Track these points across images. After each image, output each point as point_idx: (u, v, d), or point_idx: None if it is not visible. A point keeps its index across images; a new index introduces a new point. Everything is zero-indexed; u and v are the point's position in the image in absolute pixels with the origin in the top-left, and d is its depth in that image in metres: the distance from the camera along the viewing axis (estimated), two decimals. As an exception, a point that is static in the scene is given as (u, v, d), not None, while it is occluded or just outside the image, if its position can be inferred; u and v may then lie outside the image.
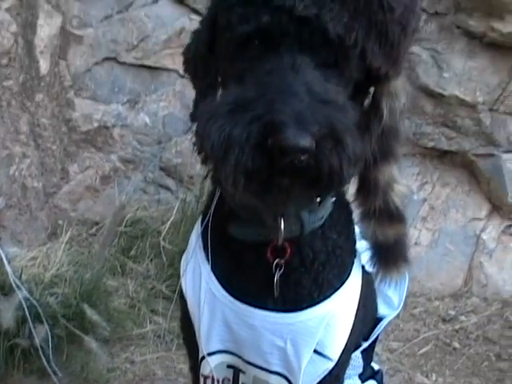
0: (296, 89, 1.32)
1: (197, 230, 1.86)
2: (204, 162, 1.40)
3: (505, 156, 3.89)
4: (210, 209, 1.77)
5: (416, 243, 3.94)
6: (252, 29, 1.41)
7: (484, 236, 4.03)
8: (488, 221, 4.05)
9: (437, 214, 4.01)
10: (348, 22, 1.41)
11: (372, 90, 1.65)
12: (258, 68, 1.40)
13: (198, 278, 1.78)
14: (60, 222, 3.75)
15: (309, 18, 1.38)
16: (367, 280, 1.86)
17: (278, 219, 1.60)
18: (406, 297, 2.02)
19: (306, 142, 1.24)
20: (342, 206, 1.82)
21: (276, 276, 1.66)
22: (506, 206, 3.96)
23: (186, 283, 1.82)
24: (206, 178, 1.52)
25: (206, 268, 1.76)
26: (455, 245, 4.01)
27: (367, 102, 1.67)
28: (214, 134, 1.29)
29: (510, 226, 4.06)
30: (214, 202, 1.76)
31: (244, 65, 1.44)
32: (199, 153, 1.41)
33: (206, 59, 1.60)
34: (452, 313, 3.83)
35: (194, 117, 1.58)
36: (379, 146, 1.71)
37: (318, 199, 1.66)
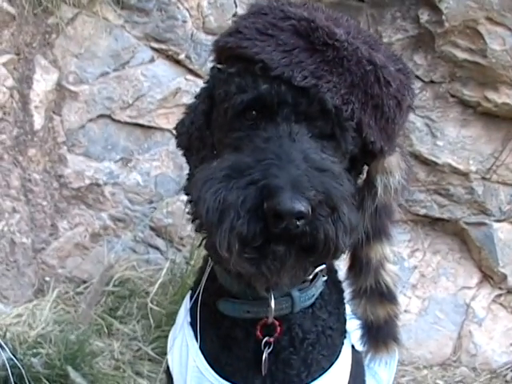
0: (292, 156, 1.34)
1: (185, 305, 1.85)
2: (198, 228, 1.41)
3: (496, 225, 3.91)
4: (200, 284, 1.77)
5: (405, 311, 3.93)
6: (250, 98, 1.44)
7: (474, 305, 4.03)
8: (478, 289, 4.05)
9: (427, 282, 4.01)
10: (345, 93, 1.44)
11: (367, 167, 1.67)
12: (254, 136, 1.43)
13: (185, 355, 1.77)
14: (47, 278, 3.72)
15: (307, 88, 1.42)
16: (357, 359, 1.86)
17: (269, 296, 1.59)
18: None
19: (301, 206, 1.25)
20: (334, 286, 1.82)
21: (265, 354, 1.66)
22: (496, 275, 3.97)
23: (173, 360, 1.81)
24: (199, 246, 1.50)
25: (193, 345, 1.76)
26: (445, 313, 4.00)
27: (362, 178, 1.68)
28: (210, 198, 1.30)
29: (500, 295, 4.05)
30: (205, 277, 1.76)
31: (241, 133, 1.46)
32: (194, 219, 1.42)
33: (202, 131, 1.61)
34: (440, 382, 3.81)
35: (188, 190, 1.58)
36: (372, 223, 1.72)
37: (310, 277, 1.66)
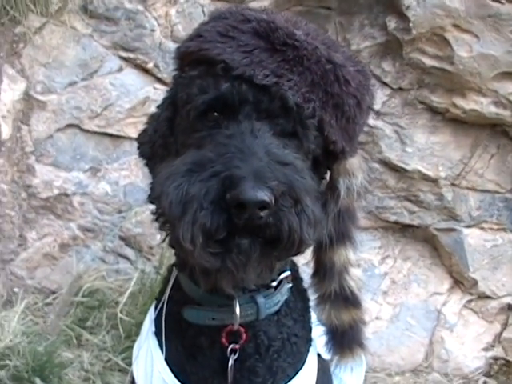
0: (254, 149, 1.36)
1: (150, 315, 1.85)
2: (162, 225, 1.41)
3: (466, 231, 3.94)
4: (164, 294, 1.77)
5: (377, 318, 3.95)
6: (212, 97, 1.46)
7: (445, 310, 4.05)
8: (449, 295, 4.07)
9: (398, 288, 4.02)
10: (306, 92, 1.46)
11: (329, 172, 1.68)
12: (216, 134, 1.45)
13: (150, 365, 1.77)
14: (16, 289, 3.70)
15: (268, 86, 1.44)
16: (323, 367, 1.86)
17: (234, 302, 1.60)
18: (366, 372, 2.02)
19: (264, 195, 1.25)
20: (299, 294, 1.83)
21: (230, 361, 1.66)
22: (467, 280, 3.99)
23: (138, 370, 1.80)
24: (163, 241, 1.49)
25: (158, 355, 1.75)
26: (416, 319, 4.02)
27: (325, 183, 1.69)
28: (172, 192, 1.31)
29: (471, 300, 4.08)
30: (169, 286, 1.76)
31: (203, 133, 1.47)
32: (157, 217, 1.41)
33: (166, 138, 1.62)
34: (412, 388, 3.82)
35: (151, 198, 1.58)
36: (335, 227, 1.74)
37: (275, 283, 1.67)
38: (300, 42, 1.49)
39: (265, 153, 1.35)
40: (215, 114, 1.48)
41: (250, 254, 1.33)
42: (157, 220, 1.44)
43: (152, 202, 1.53)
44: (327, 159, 1.61)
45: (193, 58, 1.56)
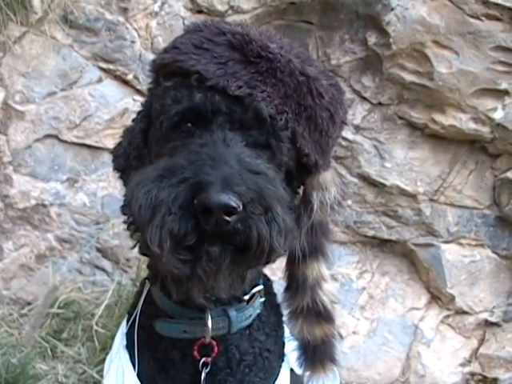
0: (226, 158, 1.37)
1: (122, 329, 1.84)
2: (133, 232, 1.40)
3: (444, 246, 3.96)
4: (136, 307, 1.76)
5: (354, 332, 3.95)
6: (185, 107, 1.47)
7: (422, 326, 4.06)
8: (427, 310, 4.09)
9: (375, 303, 4.03)
10: (279, 104, 1.48)
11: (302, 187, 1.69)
12: (189, 143, 1.46)
13: (121, 380, 1.76)
14: (-9, 300, 3.68)
15: (242, 97, 1.45)
16: (296, 382, 1.86)
17: (206, 315, 1.60)
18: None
19: (229, 200, 1.26)
20: (272, 308, 1.83)
21: (203, 374, 1.65)
22: (444, 295, 4.01)
23: (109, 384, 1.79)
24: (134, 247, 1.49)
25: (129, 370, 1.75)
26: (393, 334, 4.03)
27: (298, 197, 1.69)
28: (142, 197, 1.32)
29: (448, 316, 4.09)
30: (141, 300, 1.75)
31: (176, 143, 1.48)
32: (128, 225, 1.41)
33: (140, 150, 1.62)
34: (389, 403, 3.83)
35: (125, 210, 1.57)
36: (308, 241, 1.74)
37: (247, 297, 1.67)
38: (274, 55, 1.51)
39: (236, 161, 1.36)
40: (189, 124, 1.49)
41: (220, 261, 1.33)
42: (128, 228, 1.44)
43: (125, 213, 1.53)
44: (300, 173, 1.62)
45: (168, 70, 1.57)
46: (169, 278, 1.49)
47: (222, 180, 1.28)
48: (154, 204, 1.29)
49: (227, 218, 1.27)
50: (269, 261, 1.43)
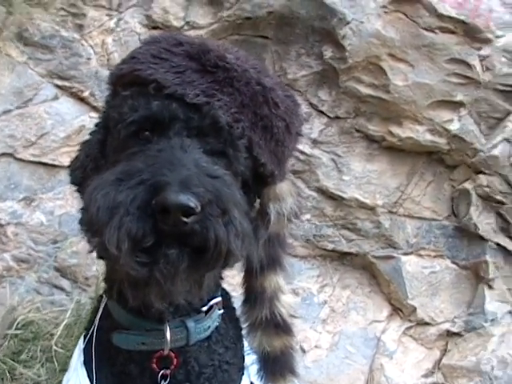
0: (183, 161, 1.38)
1: (79, 346, 1.83)
2: (91, 236, 1.39)
3: (404, 258, 4.00)
4: (93, 323, 1.75)
5: (316, 346, 3.96)
6: (142, 115, 1.48)
7: (384, 338, 4.09)
8: (388, 322, 4.11)
9: (337, 317, 4.05)
10: (235, 112, 1.50)
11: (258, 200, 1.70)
12: (147, 149, 1.46)
13: (79, 397, 1.74)
14: None
15: (199, 105, 1.46)
16: (257, 397, 1.85)
17: (164, 326, 1.59)
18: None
19: (187, 200, 1.27)
20: (231, 322, 1.84)
21: (161, 386, 1.64)
22: (405, 307, 4.04)
23: (67, 403, 1.77)
24: (91, 251, 1.48)
25: (87, 387, 1.72)
26: (356, 347, 4.04)
27: (255, 209, 1.70)
28: (100, 199, 1.33)
29: (410, 327, 4.13)
30: (98, 315, 1.74)
31: (134, 149, 1.48)
32: (86, 230, 1.40)
33: (97, 161, 1.62)
34: (353, 417, 3.83)
35: (82, 222, 1.56)
36: (266, 252, 1.75)
37: (205, 308, 1.66)
38: (230, 65, 1.55)
39: (194, 165, 1.38)
40: (146, 132, 1.50)
41: (178, 264, 1.33)
42: (86, 233, 1.43)
43: (83, 226, 1.50)
44: (257, 184, 1.63)
45: (125, 80, 1.59)
46: (126, 283, 1.48)
47: (180, 181, 1.29)
48: (112, 205, 1.30)
49: (185, 219, 1.27)
50: (226, 264, 1.43)
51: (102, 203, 1.31)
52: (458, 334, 4.10)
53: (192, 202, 1.27)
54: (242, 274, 1.84)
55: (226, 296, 1.83)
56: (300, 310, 3.80)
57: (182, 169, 1.34)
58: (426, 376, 4.12)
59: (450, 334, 4.12)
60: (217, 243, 1.32)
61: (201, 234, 1.32)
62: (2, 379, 3.33)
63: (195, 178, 1.33)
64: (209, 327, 1.71)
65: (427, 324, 4.09)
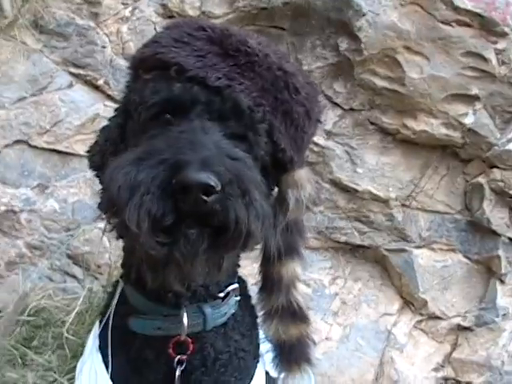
0: (205, 142, 1.38)
1: (94, 330, 1.83)
2: (110, 215, 1.39)
3: (416, 251, 3.99)
4: (109, 308, 1.75)
5: (327, 338, 3.96)
6: (164, 97, 1.49)
7: (395, 331, 4.08)
8: (399, 316, 4.11)
9: (348, 309, 4.05)
10: (257, 96, 1.50)
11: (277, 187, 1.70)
12: (168, 131, 1.46)
13: (93, 382, 1.74)
14: (-40, 308, 3.63)
15: (220, 88, 1.47)
16: (271, 385, 1.85)
17: (181, 311, 1.59)
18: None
19: (207, 178, 1.27)
20: (247, 309, 1.84)
21: (177, 371, 1.65)
22: (417, 301, 4.04)
23: (82, 387, 1.78)
24: (105, 231, 1.47)
25: (102, 371, 1.74)
26: (366, 340, 4.04)
27: (273, 195, 1.70)
28: (121, 178, 1.33)
29: (421, 321, 4.12)
30: (115, 300, 1.75)
31: (155, 131, 1.47)
32: (105, 209, 1.41)
33: (116, 145, 1.62)
34: (362, 409, 3.84)
35: (101, 206, 1.56)
36: (284, 239, 1.75)
37: (222, 294, 1.66)
38: (252, 49, 1.55)
39: (215, 146, 1.38)
40: (167, 115, 1.50)
41: (198, 244, 1.33)
42: (105, 213, 1.43)
43: (103, 206, 1.50)
44: (276, 170, 1.63)
45: (147, 64, 1.60)
46: (145, 264, 1.48)
47: (201, 160, 1.29)
48: (132, 184, 1.29)
49: (205, 198, 1.27)
50: (245, 246, 1.43)
51: (123, 182, 1.31)
52: (468, 329, 4.10)
53: (212, 181, 1.26)
54: (259, 262, 1.84)
55: (242, 283, 1.83)
56: (311, 302, 3.79)
57: (202, 149, 1.34)
58: (436, 370, 4.11)
59: (460, 329, 4.12)
60: (237, 224, 1.32)
61: (221, 214, 1.31)
62: (14, 365, 3.35)
63: (216, 158, 1.33)
64: (225, 313, 1.71)
65: (438, 318, 4.09)
